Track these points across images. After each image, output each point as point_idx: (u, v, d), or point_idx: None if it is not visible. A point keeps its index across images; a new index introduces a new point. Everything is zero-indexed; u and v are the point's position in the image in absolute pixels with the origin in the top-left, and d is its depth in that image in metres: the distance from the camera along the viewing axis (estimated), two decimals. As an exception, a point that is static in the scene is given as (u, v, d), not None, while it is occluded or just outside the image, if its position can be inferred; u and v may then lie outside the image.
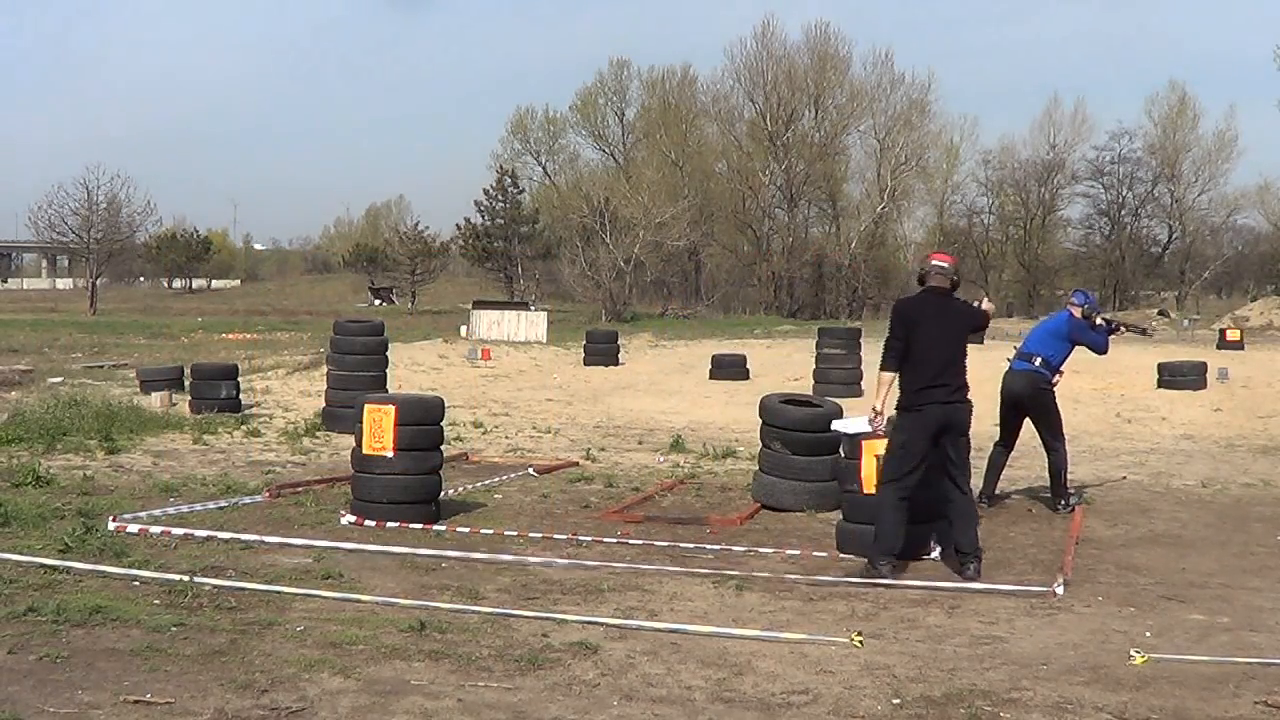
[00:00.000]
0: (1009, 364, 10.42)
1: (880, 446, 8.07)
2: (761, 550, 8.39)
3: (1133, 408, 19.36)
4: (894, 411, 7.86)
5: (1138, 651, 5.89)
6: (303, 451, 13.19)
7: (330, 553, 7.91)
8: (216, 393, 16.51)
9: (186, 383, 17.85)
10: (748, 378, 24.53)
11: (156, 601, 6.53)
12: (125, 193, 69.77)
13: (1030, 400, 10.25)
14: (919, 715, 5.08)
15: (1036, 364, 10.23)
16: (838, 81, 75.28)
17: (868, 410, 8.15)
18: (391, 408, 9.17)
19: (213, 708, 4.89)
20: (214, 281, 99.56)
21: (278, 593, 6.78)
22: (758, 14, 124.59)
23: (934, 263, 8.02)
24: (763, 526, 9.46)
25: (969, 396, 7.82)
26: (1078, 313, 10.44)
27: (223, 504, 9.58)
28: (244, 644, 5.78)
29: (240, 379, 17.74)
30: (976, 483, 8.96)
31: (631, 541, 8.60)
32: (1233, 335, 38.45)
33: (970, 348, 7.94)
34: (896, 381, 7.77)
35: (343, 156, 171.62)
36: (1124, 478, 10.74)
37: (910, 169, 75.30)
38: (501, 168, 78.16)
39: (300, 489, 10.33)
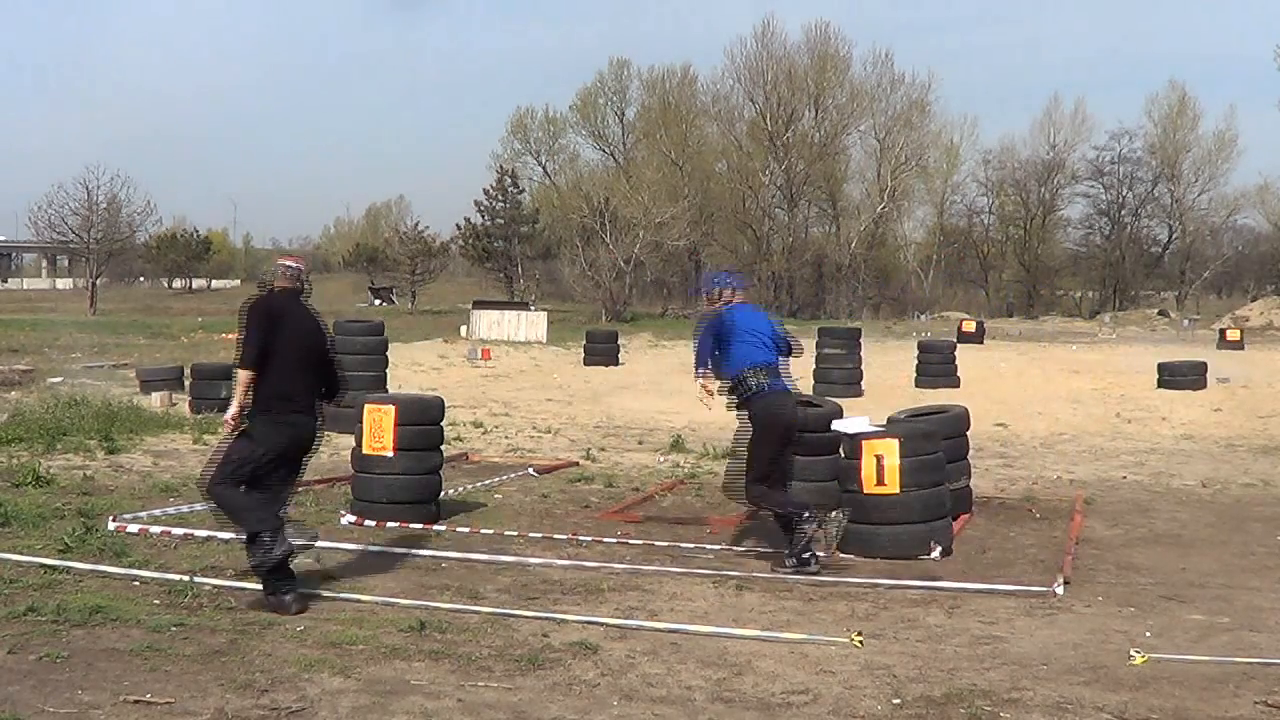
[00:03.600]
0: (766, 386, 7.96)
1: (881, 446, 8.09)
2: (761, 550, 8.39)
3: (1133, 408, 19.37)
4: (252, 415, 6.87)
5: (1138, 651, 5.89)
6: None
7: (330, 553, 7.91)
8: (216, 393, 16.49)
9: (186, 383, 17.84)
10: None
11: (156, 601, 6.54)
12: (125, 193, 69.52)
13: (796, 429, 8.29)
14: (919, 715, 5.08)
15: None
16: (838, 81, 75.18)
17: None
18: (391, 408, 9.17)
19: (213, 708, 4.89)
20: (214, 281, 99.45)
21: (278, 593, 6.77)
22: (758, 14, 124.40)
23: (284, 263, 7.20)
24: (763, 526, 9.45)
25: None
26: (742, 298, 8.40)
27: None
28: (244, 644, 5.78)
29: (240, 379, 17.72)
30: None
31: (631, 541, 8.61)
32: (1233, 335, 38.48)
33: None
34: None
35: (343, 156, 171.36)
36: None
37: (910, 169, 75.18)
38: (501, 168, 78.06)
39: (300, 489, 10.32)
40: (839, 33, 77.64)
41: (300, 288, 7.13)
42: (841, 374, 21.58)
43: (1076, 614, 6.81)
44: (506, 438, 14.95)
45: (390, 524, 8.91)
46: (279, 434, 6.78)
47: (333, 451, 13.03)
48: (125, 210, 69.57)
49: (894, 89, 75.31)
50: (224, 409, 15.72)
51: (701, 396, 8.09)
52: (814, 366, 22.29)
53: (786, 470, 8.16)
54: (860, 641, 6.04)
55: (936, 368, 23.43)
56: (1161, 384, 22.69)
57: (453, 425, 13.30)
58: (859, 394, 20.47)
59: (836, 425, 9.35)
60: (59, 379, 20.85)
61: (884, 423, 9.13)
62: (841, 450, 8.60)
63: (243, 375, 6.84)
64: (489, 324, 42.02)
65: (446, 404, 10.08)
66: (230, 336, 40.53)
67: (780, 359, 8.05)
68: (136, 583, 6.91)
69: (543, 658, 5.72)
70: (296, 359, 6.85)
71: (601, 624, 6.34)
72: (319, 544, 8.10)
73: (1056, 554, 8.35)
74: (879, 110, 75.36)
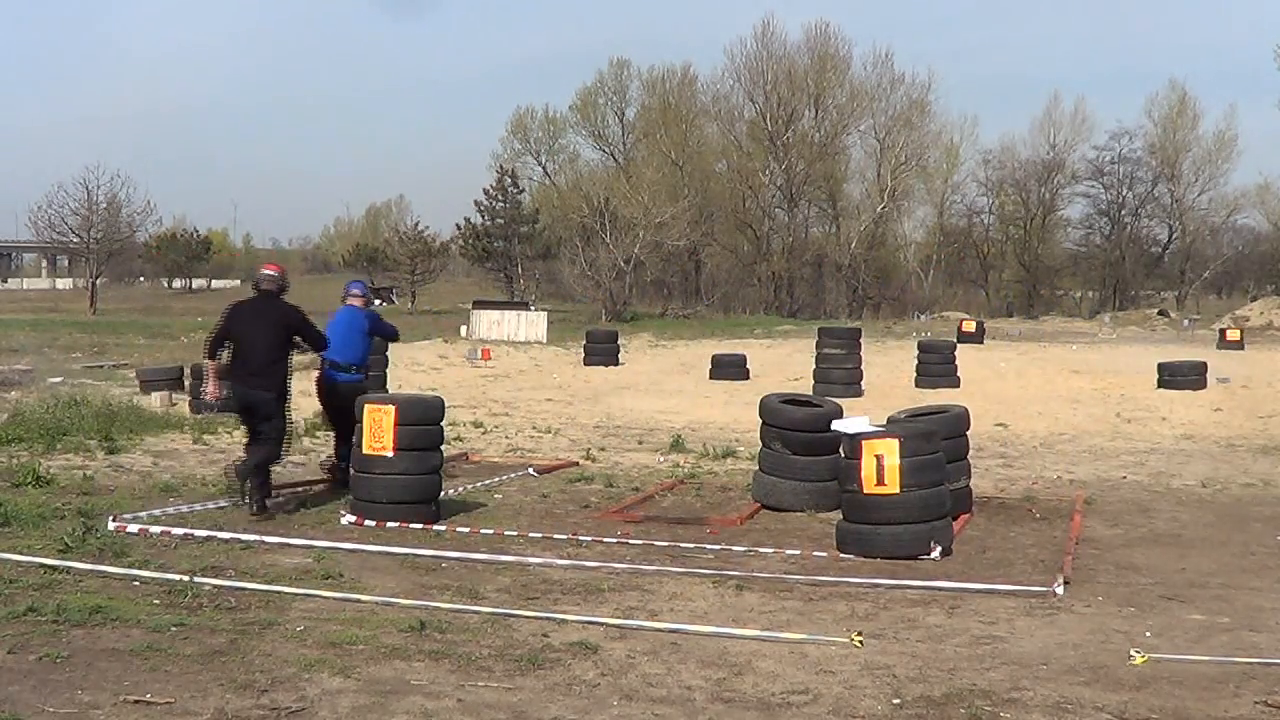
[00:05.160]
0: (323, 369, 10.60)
1: (881, 446, 8.09)
2: (761, 550, 8.39)
3: (1133, 408, 19.37)
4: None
5: (1138, 651, 5.89)
6: (303, 451, 13.18)
7: (330, 553, 7.91)
8: (217, 392, 16.50)
9: (186, 383, 17.84)
10: (748, 378, 24.53)
11: (156, 601, 6.54)
12: (125, 192, 69.53)
13: (349, 408, 9.80)
14: (919, 715, 5.08)
15: (358, 374, 10.64)
16: (838, 81, 75.18)
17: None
18: (391, 408, 9.17)
19: (213, 708, 4.89)
20: (214, 281, 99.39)
21: (278, 593, 6.79)
22: (758, 14, 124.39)
23: (263, 272, 10.01)
24: (763, 526, 9.46)
25: (277, 385, 9.56)
26: (360, 303, 10.94)
27: (223, 504, 9.59)
28: (244, 644, 5.78)
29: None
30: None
31: (631, 541, 8.60)
32: (1233, 335, 38.49)
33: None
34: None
35: (343, 156, 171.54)
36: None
37: (910, 169, 75.18)
38: (501, 168, 78.03)
39: (299, 489, 10.33)
40: (839, 32, 77.86)
41: (274, 289, 9.82)
42: (841, 374, 21.58)
43: (1076, 614, 6.81)
44: (506, 438, 14.95)
45: (390, 524, 8.91)
46: (234, 397, 9.67)
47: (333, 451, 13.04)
48: (125, 210, 69.59)
49: (894, 89, 75.40)
50: (224, 409, 15.81)
51: None
52: (814, 366, 22.32)
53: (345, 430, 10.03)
54: (860, 641, 6.04)
55: (936, 368, 23.44)
56: (1161, 384, 22.69)
57: (453, 425, 13.30)
58: (859, 394, 20.47)
59: (836, 425, 9.36)
60: (59, 379, 20.85)
61: (884, 423, 9.13)
62: (841, 450, 8.60)
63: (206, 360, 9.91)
64: (489, 324, 42.05)
65: (446, 404, 10.08)
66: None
67: (350, 354, 10.53)
68: (136, 583, 6.91)
69: (543, 658, 5.72)
70: (246, 341, 9.56)
71: (601, 624, 6.34)
72: (318, 544, 8.11)
73: (1056, 554, 8.35)
74: (879, 110, 75.44)
